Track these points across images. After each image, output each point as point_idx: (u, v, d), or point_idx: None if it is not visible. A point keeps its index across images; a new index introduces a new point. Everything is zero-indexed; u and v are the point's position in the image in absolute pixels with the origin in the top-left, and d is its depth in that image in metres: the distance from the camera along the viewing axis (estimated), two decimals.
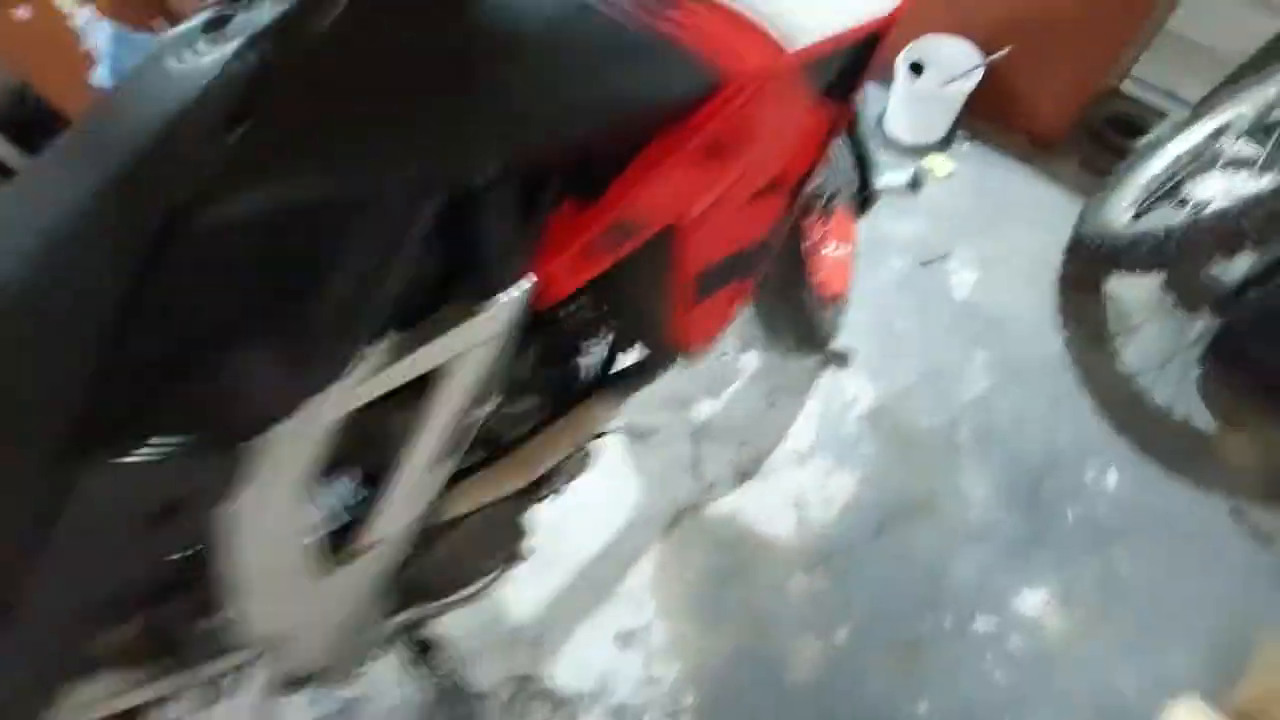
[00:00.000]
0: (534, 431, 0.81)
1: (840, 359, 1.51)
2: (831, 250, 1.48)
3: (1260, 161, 1.32)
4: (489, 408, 0.69)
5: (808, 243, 1.29)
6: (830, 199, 1.33)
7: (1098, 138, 1.74)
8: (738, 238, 0.63)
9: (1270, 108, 1.35)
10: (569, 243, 0.59)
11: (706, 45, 0.49)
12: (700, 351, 0.76)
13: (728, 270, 0.66)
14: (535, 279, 0.59)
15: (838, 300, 1.45)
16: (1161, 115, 1.80)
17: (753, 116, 0.52)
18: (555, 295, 0.63)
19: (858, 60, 0.59)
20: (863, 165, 1.11)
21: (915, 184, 1.20)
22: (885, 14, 0.56)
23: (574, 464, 0.90)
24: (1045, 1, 1.51)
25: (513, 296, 0.59)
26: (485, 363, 0.62)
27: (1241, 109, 1.46)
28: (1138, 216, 1.53)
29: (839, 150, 1.07)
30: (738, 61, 0.49)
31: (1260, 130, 1.35)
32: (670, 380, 1.51)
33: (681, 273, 0.63)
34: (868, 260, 1.63)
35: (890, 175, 1.23)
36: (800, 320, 1.19)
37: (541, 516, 0.91)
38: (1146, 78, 1.83)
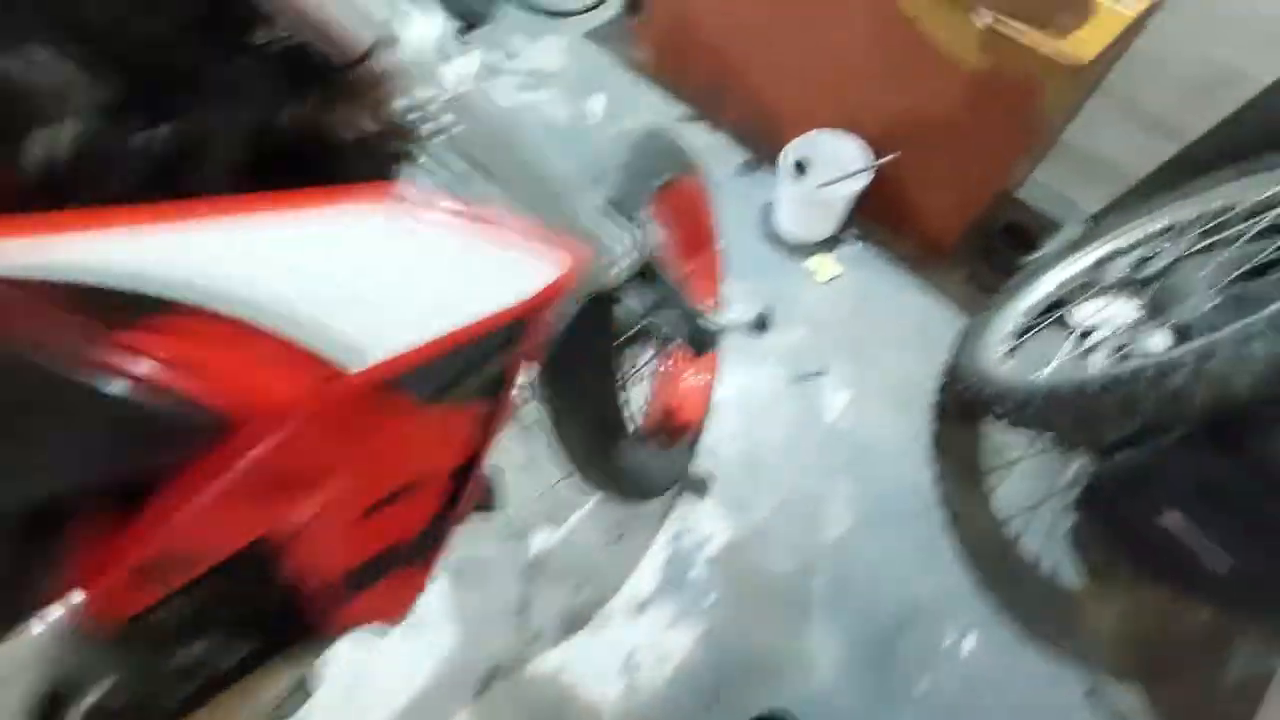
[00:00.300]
0: (199, 697, 0.66)
1: (698, 488, 1.38)
2: (688, 379, 1.36)
3: (1136, 315, 1.24)
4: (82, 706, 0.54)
5: (638, 390, 1.17)
6: (668, 339, 1.21)
7: (988, 249, 1.66)
8: (380, 539, 0.49)
9: (1148, 255, 1.26)
10: (113, 565, 0.44)
11: (206, 385, 0.34)
12: (391, 624, 0.62)
13: (386, 563, 0.51)
14: (67, 607, 0.44)
15: (691, 429, 1.33)
16: (1057, 225, 1.72)
17: (311, 446, 0.38)
18: (125, 611, 0.48)
19: (504, 351, 0.45)
20: (686, 317, 0.98)
21: (761, 324, 1.08)
22: (519, 303, 0.42)
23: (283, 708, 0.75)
24: (936, 109, 1.41)
25: (37, 627, 0.44)
26: (26, 689, 0.47)
27: (1124, 240, 1.38)
28: (1021, 338, 1.45)
29: (669, 292, 0.93)
30: (254, 398, 0.35)
31: (1138, 274, 1.27)
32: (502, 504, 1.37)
33: (306, 583, 0.48)
34: (742, 370, 1.51)
35: (735, 311, 1.10)
36: (623, 478, 1.05)
37: (334, 664, 0.75)
38: (1045, 184, 1.75)
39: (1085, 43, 1.16)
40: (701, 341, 1.06)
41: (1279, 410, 0.95)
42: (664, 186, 1.07)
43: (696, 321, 1.00)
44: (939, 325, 1.57)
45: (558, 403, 0.91)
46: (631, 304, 0.86)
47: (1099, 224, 1.44)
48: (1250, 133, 1.33)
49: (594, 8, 2.16)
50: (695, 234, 1.31)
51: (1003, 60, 1.23)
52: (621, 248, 0.74)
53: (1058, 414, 1.06)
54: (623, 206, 0.90)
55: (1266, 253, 1.13)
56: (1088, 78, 1.22)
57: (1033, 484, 1.40)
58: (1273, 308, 0.88)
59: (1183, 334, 1.21)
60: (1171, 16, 1.32)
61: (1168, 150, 1.48)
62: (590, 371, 0.90)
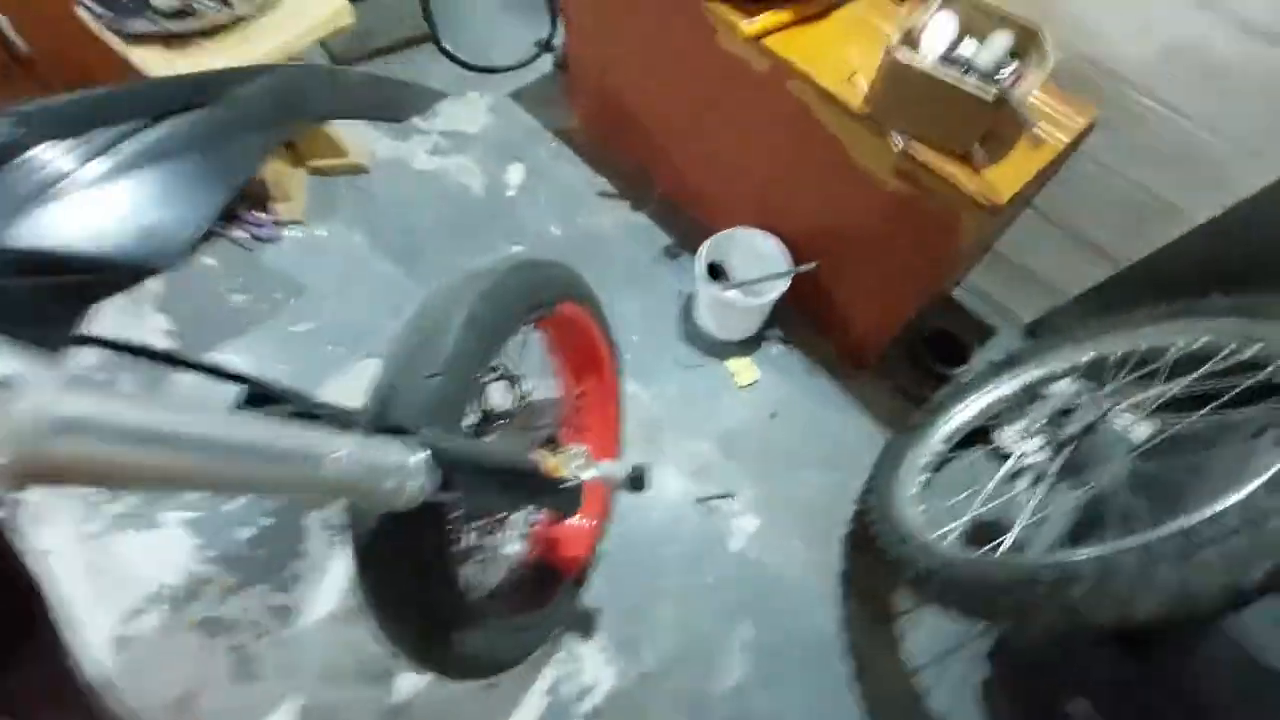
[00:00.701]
0: None
1: (582, 627, 1.26)
2: (568, 523, 1.24)
3: (1054, 466, 1.15)
4: None
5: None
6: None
7: (916, 356, 1.56)
8: None
9: (1070, 405, 1.18)
10: None
11: None
12: None
13: None
14: None
15: (575, 570, 1.21)
16: (989, 331, 1.64)
17: None
18: None
19: None
20: (539, 495, 0.87)
21: (637, 483, 0.97)
22: None
23: None
24: (858, 223, 1.30)
25: None
26: None
27: (1050, 370, 1.30)
28: (937, 471, 1.36)
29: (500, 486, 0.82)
30: None
31: (1059, 429, 1.18)
32: (364, 641, 1.24)
33: None
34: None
35: (608, 468, 0.98)
36: (464, 665, 0.93)
37: None
38: (980, 288, 1.67)
39: (1004, 178, 1.07)
40: (561, 509, 0.95)
41: (1192, 625, 0.86)
42: (545, 315, 0.97)
43: (552, 494, 0.89)
44: (859, 441, 1.47)
45: (379, 609, 0.79)
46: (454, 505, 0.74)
47: (1025, 349, 1.35)
48: (1180, 271, 1.26)
49: (524, 64, 2.04)
50: (586, 357, 1.20)
51: (919, 187, 1.13)
52: (406, 466, 0.62)
53: (956, 600, 0.96)
54: (458, 369, 0.78)
55: (1184, 423, 1.05)
56: (1006, 213, 1.13)
57: (946, 627, 1.31)
58: (1179, 524, 0.79)
59: (1096, 506, 1.13)
60: (1106, 141, 1.23)
61: (1101, 270, 1.41)
62: (411, 576, 0.78)
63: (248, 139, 0.51)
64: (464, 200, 1.76)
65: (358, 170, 1.77)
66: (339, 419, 0.79)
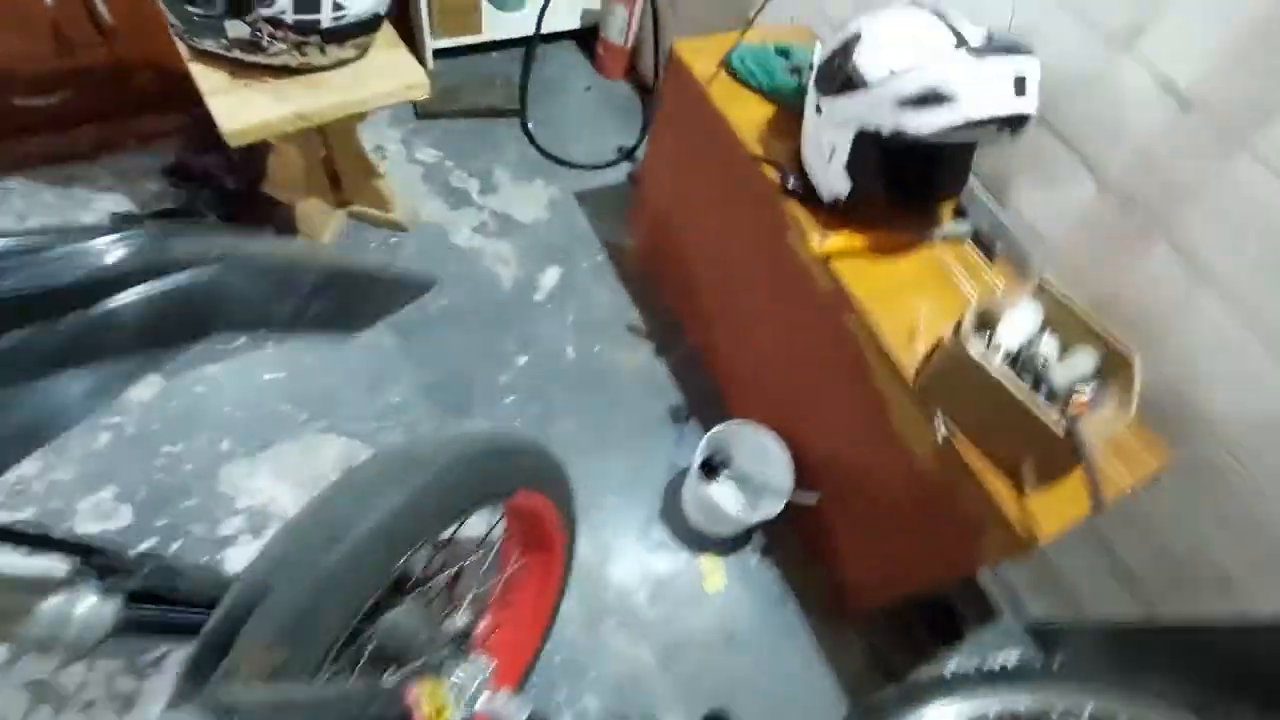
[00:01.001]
0: None
1: None
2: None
3: None
4: None
5: None
6: None
7: (901, 619, 1.39)
8: None
9: None
10: None
11: None
12: None
13: None
14: None
15: None
16: (990, 613, 1.47)
17: None
18: None
19: None
20: None
21: None
22: None
23: None
24: (882, 482, 1.16)
25: None
26: None
27: (1041, 704, 1.12)
28: None
29: None
30: None
31: None
32: None
33: None
34: (555, 680, 1.23)
35: (504, 708, 0.84)
36: None
37: None
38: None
39: (1051, 513, 0.93)
40: None
41: None
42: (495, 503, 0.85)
43: None
44: (814, 700, 1.29)
45: None
46: None
47: (1024, 670, 1.18)
48: (1220, 654, 1.09)
49: (600, 167, 1.98)
50: (535, 538, 1.05)
51: (956, 482, 0.99)
52: None
53: None
54: (346, 588, 0.65)
55: None
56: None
57: None
58: None
59: None
60: (1174, 483, 1.09)
61: (1130, 605, 1.25)
62: None
63: (106, 369, 0.38)
64: (489, 290, 1.66)
65: (396, 228, 1.70)
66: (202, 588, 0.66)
